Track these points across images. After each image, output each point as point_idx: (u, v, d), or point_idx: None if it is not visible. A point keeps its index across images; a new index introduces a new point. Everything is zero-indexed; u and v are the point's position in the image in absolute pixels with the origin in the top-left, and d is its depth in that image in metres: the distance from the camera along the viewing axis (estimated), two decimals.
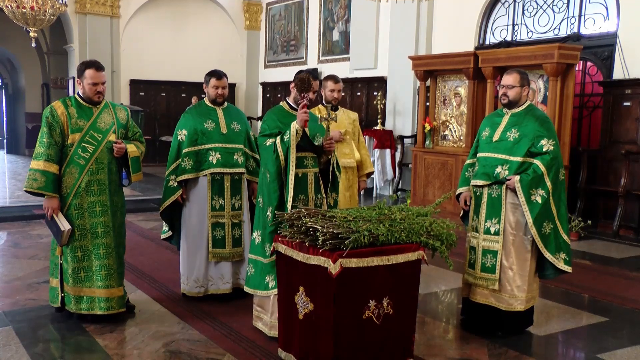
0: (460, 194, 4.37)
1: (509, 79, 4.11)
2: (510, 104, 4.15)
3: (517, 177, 3.96)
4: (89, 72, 4.04)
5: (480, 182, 4.15)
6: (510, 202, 4.05)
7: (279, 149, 3.73)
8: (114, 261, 4.12)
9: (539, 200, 3.95)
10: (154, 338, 3.93)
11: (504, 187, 4.04)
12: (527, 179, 3.95)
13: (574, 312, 4.73)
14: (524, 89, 4.11)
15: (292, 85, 3.96)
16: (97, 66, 4.09)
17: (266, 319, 3.90)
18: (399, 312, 3.33)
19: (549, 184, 3.96)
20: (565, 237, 4.08)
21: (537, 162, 3.96)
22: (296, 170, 3.82)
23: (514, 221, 4.05)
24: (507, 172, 4.02)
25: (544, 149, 3.97)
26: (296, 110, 3.91)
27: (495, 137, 4.13)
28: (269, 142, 3.81)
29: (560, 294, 5.21)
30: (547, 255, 4.02)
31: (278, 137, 3.78)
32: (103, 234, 4.09)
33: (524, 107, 4.15)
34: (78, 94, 4.15)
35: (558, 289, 5.34)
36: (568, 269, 4.09)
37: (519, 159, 4.00)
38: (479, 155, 4.24)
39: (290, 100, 4.02)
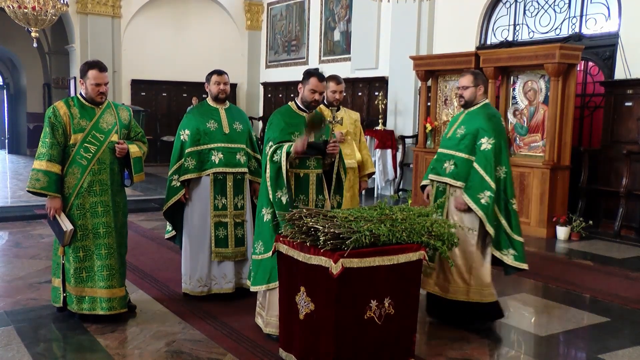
0: (425, 186, 4.57)
1: (463, 80, 4.29)
2: (467, 104, 4.30)
3: (460, 194, 4.13)
4: (91, 73, 4.04)
5: (432, 177, 4.38)
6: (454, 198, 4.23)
7: (268, 170, 3.73)
8: (115, 261, 4.13)
9: (488, 201, 4.06)
10: (155, 338, 3.93)
11: (448, 186, 4.24)
12: (470, 186, 4.10)
13: (575, 312, 4.73)
14: (478, 88, 4.26)
15: (300, 85, 3.93)
16: (100, 67, 4.09)
17: (263, 314, 3.92)
18: (400, 312, 3.33)
19: (491, 182, 4.06)
20: (512, 233, 4.17)
21: (475, 165, 4.11)
22: (298, 170, 3.84)
23: (457, 214, 4.17)
24: (452, 167, 4.20)
25: (482, 147, 4.10)
26: (304, 111, 3.92)
27: (449, 134, 4.33)
28: (268, 150, 3.78)
29: (561, 294, 5.21)
30: (494, 251, 4.18)
31: (269, 153, 3.73)
32: (105, 234, 4.10)
33: (479, 105, 4.28)
34: (81, 94, 4.16)
35: (559, 289, 5.34)
36: (519, 264, 4.18)
37: (463, 155, 4.17)
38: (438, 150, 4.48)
39: (298, 100, 3.98)
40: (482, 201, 4.05)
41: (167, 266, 5.66)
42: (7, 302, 4.61)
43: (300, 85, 3.94)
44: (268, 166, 3.74)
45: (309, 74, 3.91)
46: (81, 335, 3.97)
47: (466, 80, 4.26)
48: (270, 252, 3.64)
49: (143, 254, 6.15)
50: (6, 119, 19.93)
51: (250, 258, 4.12)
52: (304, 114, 3.89)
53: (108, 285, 4.08)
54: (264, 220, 3.83)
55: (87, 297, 4.11)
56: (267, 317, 3.84)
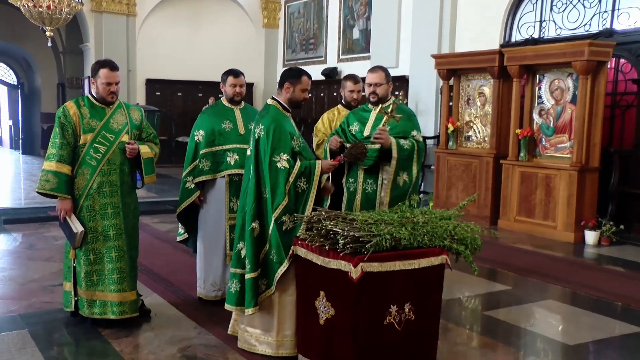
0: None
1: (375, 77, 4.27)
2: (379, 101, 4.29)
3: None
4: (103, 72, 4.08)
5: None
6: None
7: (286, 196, 3.56)
8: (126, 264, 4.14)
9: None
10: (169, 343, 3.96)
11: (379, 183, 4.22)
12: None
13: (606, 321, 4.66)
14: (389, 85, 4.32)
15: (288, 85, 3.76)
16: (111, 66, 4.13)
17: (270, 339, 3.70)
18: (421, 318, 3.32)
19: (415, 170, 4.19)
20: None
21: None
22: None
23: None
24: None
25: (417, 138, 4.24)
26: (288, 111, 3.81)
27: (366, 132, 4.25)
28: (281, 165, 3.57)
29: (590, 302, 5.14)
30: None
31: (294, 174, 3.57)
32: (115, 236, 4.12)
33: (389, 102, 4.28)
34: (91, 93, 4.19)
35: (588, 296, 5.27)
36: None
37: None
38: None
39: (282, 99, 3.80)
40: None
41: (182, 269, 5.69)
42: (22, 305, 4.68)
43: (287, 85, 3.76)
44: (289, 192, 3.57)
45: (298, 73, 3.81)
46: (95, 339, 4.00)
47: (379, 77, 4.27)
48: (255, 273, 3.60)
49: (158, 257, 6.20)
50: (20, 119, 20.22)
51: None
52: (288, 114, 3.81)
53: (119, 289, 4.10)
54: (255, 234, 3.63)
55: (97, 301, 4.13)
56: (279, 338, 3.69)
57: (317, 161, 3.71)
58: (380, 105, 4.20)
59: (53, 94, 18.22)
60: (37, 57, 17.94)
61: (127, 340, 3.99)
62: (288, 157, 3.58)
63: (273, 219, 3.55)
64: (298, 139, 3.72)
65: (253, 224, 3.62)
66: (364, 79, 4.53)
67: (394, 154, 4.07)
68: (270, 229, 3.57)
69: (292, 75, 3.79)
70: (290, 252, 3.54)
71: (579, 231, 7.40)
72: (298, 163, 3.59)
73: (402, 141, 4.12)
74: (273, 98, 3.83)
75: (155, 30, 14.89)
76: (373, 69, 4.35)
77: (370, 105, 4.37)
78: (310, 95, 4.01)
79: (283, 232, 3.55)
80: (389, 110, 4.05)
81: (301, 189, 3.61)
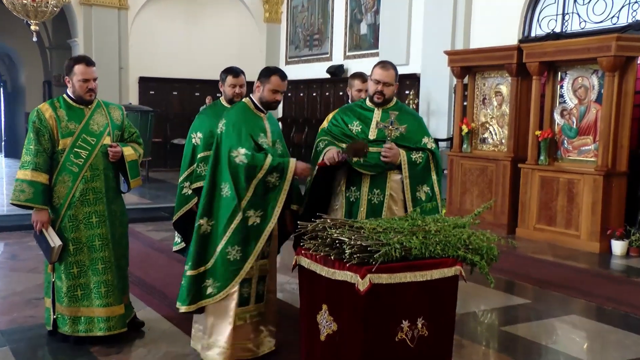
0: None
1: (386, 75, 4.09)
2: (384, 102, 4.16)
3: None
4: (78, 68, 4.04)
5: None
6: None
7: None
8: (113, 276, 4.13)
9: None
10: (163, 359, 3.96)
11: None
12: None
13: (635, 339, 4.63)
14: (396, 86, 4.22)
15: (258, 83, 3.91)
16: (87, 60, 4.09)
17: (204, 340, 3.88)
18: (434, 334, 3.31)
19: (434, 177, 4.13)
20: None
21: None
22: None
23: None
24: None
25: (429, 146, 4.17)
26: (262, 111, 3.95)
27: (372, 135, 4.11)
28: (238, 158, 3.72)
29: (618, 317, 5.12)
30: None
31: (264, 169, 3.70)
32: (101, 247, 4.10)
33: (393, 102, 4.22)
34: (67, 94, 4.15)
35: (616, 311, 5.25)
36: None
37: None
38: None
39: (255, 98, 3.95)
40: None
41: (178, 281, 5.62)
42: (3, 320, 4.68)
43: (258, 84, 3.90)
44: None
45: (269, 72, 3.91)
46: (83, 356, 4.00)
47: (391, 76, 4.11)
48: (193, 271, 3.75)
49: (151, 268, 6.21)
50: (3, 119, 20.26)
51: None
52: (262, 115, 3.94)
53: (106, 304, 4.08)
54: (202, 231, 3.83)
55: (82, 318, 4.10)
56: (210, 339, 3.82)
57: (291, 159, 3.81)
58: (381, 107, 4.14)
59: (38, 93, 18.26)
60: (22, 53, 18.02)
61: (117, 357, 4.00)
62: (246, 151, 3.69)
63: (239, 213, 3.68)
64: (270, 141, 3.85)
65: (201, 221, 3.79)
66: None
67: (405, 172, 4.00)
68: (234, 224, 3.69)
69: (263, 74, 3.93)
70: (294, 261, 3.55)
71: (605, 241, 7.38)
72: (269, 158, 3.71)
73: (413, 155, 4.04)
74: (249, 96, 3.99)
75: (149, 25, 14.94)
76: (384, 65, 4.17)
77: (369, 104, 4.20)
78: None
79: (247, 229, 3.70)
80: (390, 122, 3.94)
81: (272, 184, 3.72)
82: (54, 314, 4.14)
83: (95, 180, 4.08)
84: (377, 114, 4.15)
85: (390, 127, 3.97)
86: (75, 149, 4.03)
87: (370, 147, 3.94)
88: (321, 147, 4.10)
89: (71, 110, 4.09)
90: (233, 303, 3.74)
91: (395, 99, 4.25)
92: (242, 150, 3.70)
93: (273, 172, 3.71)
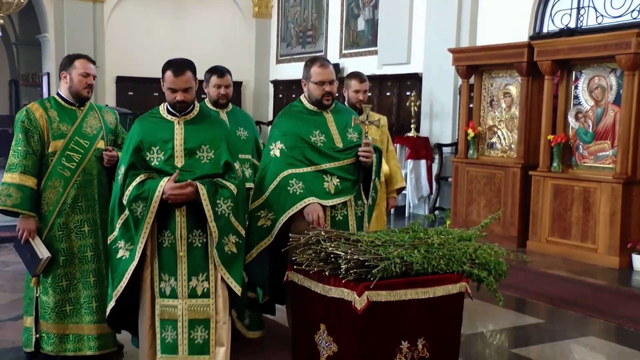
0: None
1: (330, 72, 4.07)
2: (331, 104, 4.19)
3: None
4: (79, 62, 4.10)
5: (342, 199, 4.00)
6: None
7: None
8: (106, 290, 4.07)
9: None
10: None
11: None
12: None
13: None
14: (336, 83, 4.23)
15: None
16: (88, 57, 4.19)
17: None
18: (437, 356, 3.33)
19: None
20: None
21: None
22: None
23: None
24: None
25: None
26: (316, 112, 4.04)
27: (339, 143, 4.03)
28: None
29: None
30: None
31: (127, 195, 3.54)
32: (93, 258, 4.10)
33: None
34: (58, 93, 4.19)
35: (637, 333, 5.24)
36: None
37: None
38: (324, 167, 3.98)
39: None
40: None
41: None
42: None
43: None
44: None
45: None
46: None
47: (333, 73, 4.12)
48: None
49: None
50: None
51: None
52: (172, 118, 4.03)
53: (97, 320, 4.06)
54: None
55: (71, 336, 4.07)
56: None
57: (162, 180, 3.48)
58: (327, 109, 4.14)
59: (4, 93, 18.23)
60: None
61: None
62: (124, 169, 3.57)
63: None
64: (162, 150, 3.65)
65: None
66: (370, 77, 4.58)
67: (375, 173, 4.09)
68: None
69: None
70: (286, 277, 3.55)
71: (625, 255, 7.41)
72: (136, 180, 3.51)
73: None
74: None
75: (127, 20, 14.94)
76: (323, 63, 4.11)
77: (311, 107, 4.14)
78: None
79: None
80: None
81: (140, 214, 3.51)
82: (36, 333, 4.09)
83: (87, 186, 4.10)
84: (328, 118, 4.13)
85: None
86: (68, 152, 4.04)
87: (338, 161, 3.95)
88: (295, 189, 3.84)
89: (63, 111, 4.12)
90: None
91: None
92: (122, 169, 3.65)
93: (137, 200, 3.53)
